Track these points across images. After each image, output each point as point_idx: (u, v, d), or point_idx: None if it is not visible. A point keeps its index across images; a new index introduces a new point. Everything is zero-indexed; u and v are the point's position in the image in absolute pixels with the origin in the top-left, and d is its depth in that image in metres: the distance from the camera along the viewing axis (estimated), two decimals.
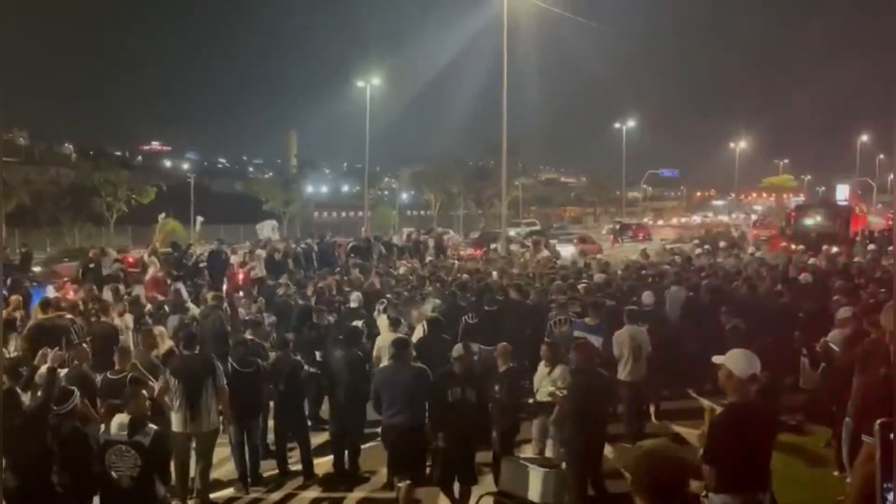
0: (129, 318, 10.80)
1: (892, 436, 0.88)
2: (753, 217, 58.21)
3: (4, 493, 5.63)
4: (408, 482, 6.86)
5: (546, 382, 7.69)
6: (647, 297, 11.13)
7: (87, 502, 6.00)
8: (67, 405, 5.89)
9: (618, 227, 52.18)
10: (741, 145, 79.72)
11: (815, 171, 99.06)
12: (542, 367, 7.89)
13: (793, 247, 23.37)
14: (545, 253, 24.99)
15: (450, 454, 6.88)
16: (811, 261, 17.27)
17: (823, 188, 76.31)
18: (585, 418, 6.72)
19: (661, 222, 69.75)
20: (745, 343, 6.31)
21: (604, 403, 6.96)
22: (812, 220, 29.33)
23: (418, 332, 9.82)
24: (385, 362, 9.05)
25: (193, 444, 7.39)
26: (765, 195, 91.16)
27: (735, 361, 4.52)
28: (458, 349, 7.10)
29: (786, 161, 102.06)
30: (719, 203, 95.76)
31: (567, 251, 30.84)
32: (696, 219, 72.32)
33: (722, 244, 26.25)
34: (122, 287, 14.79)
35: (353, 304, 11.60)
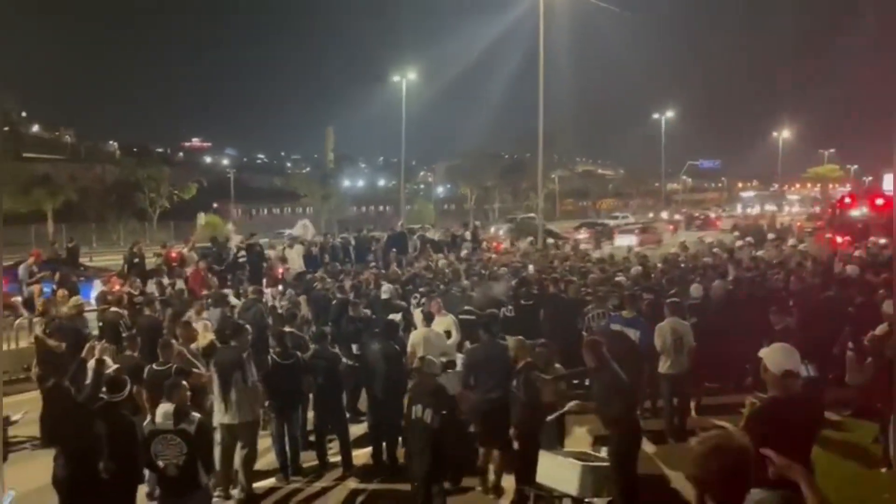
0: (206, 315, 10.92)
1: None
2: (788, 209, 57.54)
3: (54, 481, 5.83)
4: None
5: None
6: (696, 289, 10.95)
7: (133, 490, 6.18)
8: (122, 394, 6.06)
9: (683, 216, 52.51)
10: (784, 135, 77.94)
11: (862, 160, 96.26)
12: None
13: (838, 238, 22.79)
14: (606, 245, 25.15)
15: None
16: (857, 253, 16.82)
17: (870, 178, 74.16)
18: (614, 415, 6.58)
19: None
20: (789, 337, 6.20)
21: (628, 398, 6.71)
22: (858, 211, 28.52)
23: (443, 326, 9.89)
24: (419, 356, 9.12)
25: (235, 435, 7.54)
26: (809, 185, 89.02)
27: (771, 356, 4.45)
28: (512, 344, 7.13)
29: (831, 151, 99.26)
30: (749, 195, 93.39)
31: (627, 242, 31.41)
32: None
33: (771, 236, 25.69)
34: (164, 281, 15.16)
35: (384, 296, 11.68)
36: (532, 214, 44.66)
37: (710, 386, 10.34)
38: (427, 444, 6.15)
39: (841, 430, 8.48)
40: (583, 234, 37.12)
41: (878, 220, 25.85)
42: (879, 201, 26.39)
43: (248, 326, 8.15)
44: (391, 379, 8.23)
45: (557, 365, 7.66)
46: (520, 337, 7.49)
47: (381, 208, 72.10)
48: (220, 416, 7.49)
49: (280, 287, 14.44)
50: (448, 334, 10.00)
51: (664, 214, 61.88)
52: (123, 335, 9.66)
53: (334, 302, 11.82)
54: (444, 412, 6.15)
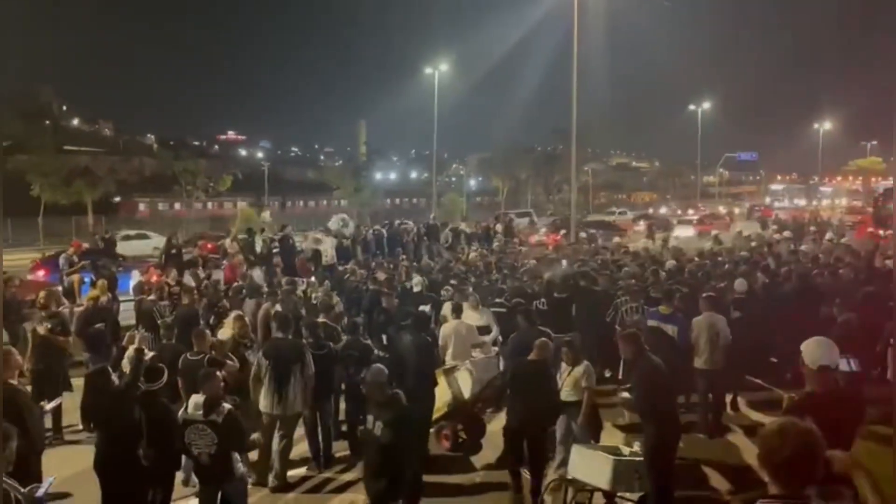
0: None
1: None
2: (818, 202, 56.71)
3: (95, 465, 5.96)
4: None
5: (569, 381, 7.42)
6: (740, 284, 10.75)
7: (171, 476, 6.29)
8: (159, 382, 6.16)
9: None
10: (825, 126, 76.04)
11: None
12: (564, 366, 7.56)
13: (880, 232, 22.21)
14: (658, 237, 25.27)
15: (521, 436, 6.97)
16: None
17: None
18: (652, 408, 6.50)
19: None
20: (830, 332, 6.05)
21: (667, 392, 6.62)
22: None
23: (481, 320, 9.88)
24: (451, 350, 9.14)
25: (278, 426, 7.65)
26: (851, 178, 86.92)
27: (808, 350, 4.36)
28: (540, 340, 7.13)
29: (874, 143, 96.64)
30: (777, 187, 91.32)
31: (686, 233, 33.85)
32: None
33: (812, 229, 25.19)
34: (201, 272, 15.39)
35: (415, 288, 11.69)
36: (532, 215, 44.84)
37: (751, 381, 10.16)
38: (375, 460, 5.70)
39: (883, 426, 8.26)
40: (640, 227, 38.75)
41: None
42: None
43: (290, 318, 8.24)
44: (422, 371, 8.24)
45: (586, 362, 7.58)
46: (542, 338, 7.41)
47: (413, 201, 72.28)
48: (270, 407, 7.56)
49: (313, 279, 14.54)
50: (487, 329, 9.99)
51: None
52: (159, 322, 9.85)
53: (367, 293, 11.88)
54: (396, 426, 5.55)
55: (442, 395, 8.48)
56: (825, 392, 4.33)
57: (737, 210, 57.94)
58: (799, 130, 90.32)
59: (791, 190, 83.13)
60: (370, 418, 5.81)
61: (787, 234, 23.56)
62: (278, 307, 10.19)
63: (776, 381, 10.19)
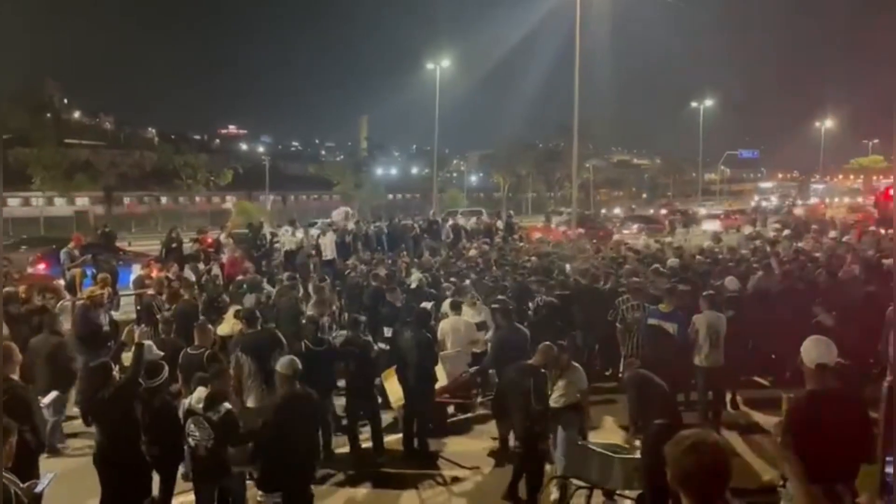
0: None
1: None
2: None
3: (95, 460, 5.97)
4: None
5: (562, 387, 7.38)
6: (731, 282, 10.77)
7: (173, 471, 6.31)
8: (159, 378, 6.18)
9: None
10: (827, 124, 75.94)
11: None
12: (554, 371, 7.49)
13: (882, 231, 22.16)
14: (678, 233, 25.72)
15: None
16: None
17: None
18: (646, 417, 6.50)
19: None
20: (829, 332, 6.06)
21: (662, 400, 6.61)
22: None
23: (468, 314, 9.89)
24: (449, 346, 9.19)
25: None
26: (852, 177, 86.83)
27: (805, 349, 4.38)
28: (543, 346, 7.11)
29: (876, 141, 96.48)
30: (767, 185, 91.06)
31: (713, 227, 34.39)
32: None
33: (814, 226, 25.15)
34: (201, 266, 15.40)
35: (413, 285, 11.72)
36: (483, 214, 44.98)
37: (751, 380, 10.18)
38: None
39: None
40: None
41: None
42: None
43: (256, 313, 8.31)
44: (422, 366, 8.28)
45: (575, 363, 7.58)
46: (546, 343, 7.31)
47: (410, 197, 72.19)
48: (259, 401, 7.57)
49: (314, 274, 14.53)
50: (484, 325, 10.01)
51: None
52: (158, 317, 9.85)
53: (368, 289, 11.88)
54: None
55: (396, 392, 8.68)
56: (825, 391, 4.34)
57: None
58: (800, 128, 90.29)
59: (782, 188, 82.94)
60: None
61: (787, 232, 23.53)
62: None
63: (776, 380, 10.21)
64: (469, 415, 9.55)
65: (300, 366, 6.17)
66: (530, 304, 10.85)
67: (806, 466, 4.13)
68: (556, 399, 7.31)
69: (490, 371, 9.15)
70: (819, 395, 4.35)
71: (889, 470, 2.26)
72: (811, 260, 14.69)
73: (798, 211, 41.78)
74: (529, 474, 6.92)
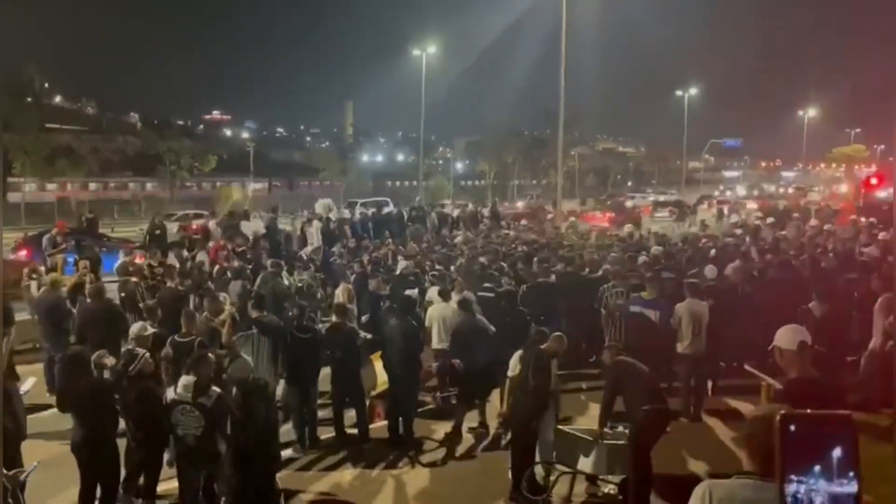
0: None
1: (791, 428, 0.89)
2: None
3: (73, 448, 5.96)
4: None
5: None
6: (710, 270, 10.89)
7: (158, 458, 6.30)
8: (135, 365, 6.16)
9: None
10: (810, 113, 76.43)
11: (889, 140, 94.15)
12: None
13: (863, 220, 22.42)
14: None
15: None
16: (881, 235, 16.55)
17: None
18: (637, 398, 6.55)
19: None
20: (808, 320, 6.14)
21: (649, 384, 6.67)
22: (884, 192, 28.02)
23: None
24: (435, 334, 9.24)
25: None
26: (834, 165, 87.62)
27: (782, 336, 4.45)
28: (557, 335, 7.12)
29: (857, 130, 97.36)
30: (734, 174, 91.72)
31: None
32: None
33: (795, 215, 25.38)
34: (185, 253, 15.31)
35: (399, 271, 11.75)
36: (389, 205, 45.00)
37: (732, 367, 10.29)
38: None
39: (860, 411, 8.41)
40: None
41: None
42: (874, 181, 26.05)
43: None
44: (408, 354, 8.32)
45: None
46: (558, 333, 7.30)
47: (399, 183, 72.01)
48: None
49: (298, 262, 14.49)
50: None
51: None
52: (141, 305, 9.79)
53: (353, 277, 11.88)
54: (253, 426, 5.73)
55: (381, 375, 8.80)
56: (808, 378, 4.40)
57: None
58: (783, 117, 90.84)
59: (750, 176, 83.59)
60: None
61: (770, 220, 23.73)
62: None
63: (759, 368, 10.32)
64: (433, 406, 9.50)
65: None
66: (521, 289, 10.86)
67: None
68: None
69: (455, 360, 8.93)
70: (800, 382, 4.41)
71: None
72: (793, 248, 14.85)
73: (751, 205, 42.06)
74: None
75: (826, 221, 22.86)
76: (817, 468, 0.96)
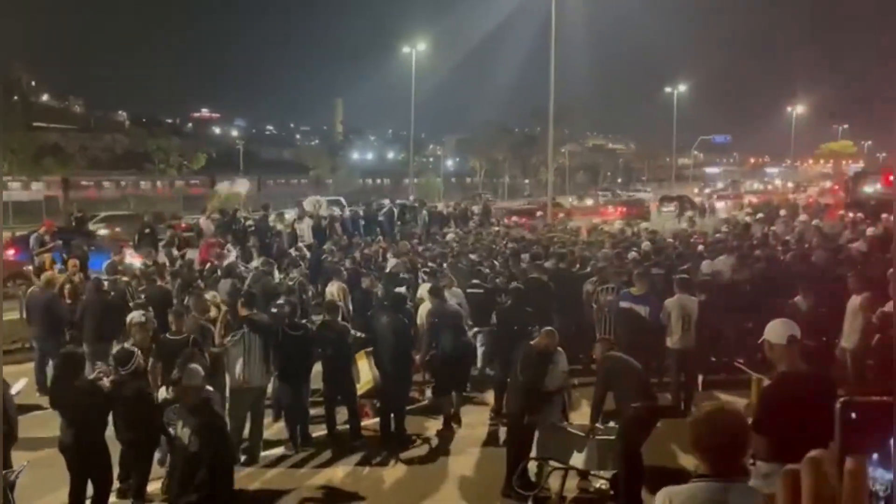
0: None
1: (852, 415, 0.90)
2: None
3: (61, 447, 5.94)
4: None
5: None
6: (707, 265, 10.94)
7: (148, 457, 6.29)
8: (129, 366, 6.13)
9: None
10: (798, 110, 76.91)
11: (876, 136, 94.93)
12: None
13: (850, 215, 22.61)
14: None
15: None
16: (869, 230, 16.70)
17: (884, 154, 73.26)
18: (627, 394, 6.57)
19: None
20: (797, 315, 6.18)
21: (640, 381, 6.69)
22: (871, 188, 28.27)
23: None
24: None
25: (255, 399, 7.78)
26: (822, 161, 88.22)
27: (772, 330, 4.48)
28: (547, 330, 7.13)
29: (845, 126, 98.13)
30: (714, 170, 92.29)
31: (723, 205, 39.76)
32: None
33: (782, 212, 25.54)
34: (175, 251, 15.25)
35: (390, 269, 11.76)
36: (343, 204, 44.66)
37: (723, 362, 10.36)
38: (183, 469, 5.36)
39: None
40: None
41: (891, 197, 25.63)
42: (893, 178, 26.24)
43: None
44: (399, 351, 8.33)
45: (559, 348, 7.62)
46: (549, 327, 7.32)
47: (387, 182, 71.94)
48: (260, 380, 7.75)
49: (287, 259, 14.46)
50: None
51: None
52: (131, 305, 9.74)
53: (344, 273, 11.86)
54: (205, 434, 5.22)
55: (365, 375, 8.81)
56: (797, 372, 4.44)
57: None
58: (772, 114, 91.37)
59: (730, 173, 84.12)
60: (179, 424, 5.40)
61: (760, 216, 23.90)
62: None
63: (748, 363, 10.39)
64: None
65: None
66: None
67: (780, 447, 4.25)
68: (545, 383, 7.35)
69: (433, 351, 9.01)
70: (790, 376, 4.44)
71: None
72: (782, 243, 14.95)
73: (719, 204, 43.29)
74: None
75: (814, 217, 23.03)
76: (876, 456, 0.96)
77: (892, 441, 0.92)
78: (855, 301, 8.45)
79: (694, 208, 36.58)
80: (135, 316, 7.40)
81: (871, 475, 0.91)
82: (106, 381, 6.12)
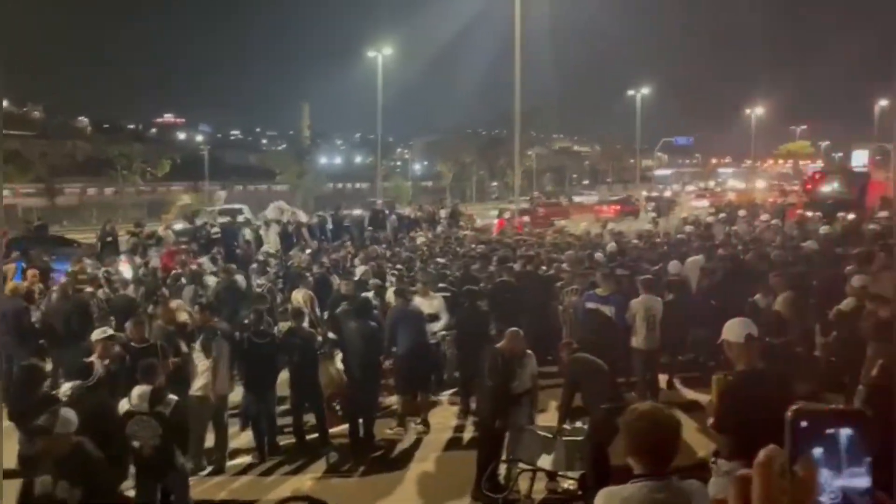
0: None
1: (802, 424, 0.94)
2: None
3: (20, 459, 5.80)
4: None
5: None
6: (674, 266, 11.09)
7: (124, 472, 6.14)
8: (91, 378, 6.02)
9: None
10: (757, 111, 78.44)
11: (833, 136, 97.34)
12: None
13: (809, 214, 23.14)
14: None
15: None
16: (822, 228, 17.09)
17: (841, 154, 75.16)
18: (595, 395, 6.65)
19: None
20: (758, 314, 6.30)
21: (607, 382, 6.77)
22: (829, 187, 28.93)
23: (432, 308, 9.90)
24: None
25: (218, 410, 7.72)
26: (781, 161, 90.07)
27: (730, 330, 4.58)
28: (512, 332, 7.11)
29: (803, 127, 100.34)
30: (663, 172, 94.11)
31: (702, 204, 41.48)
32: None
33: (742, 213, 26.01)
34: (138, 259, 15.02)
35: (357, 275, 11.73)
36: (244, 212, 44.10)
37: (687, 360, 10.52)
38: None
39: (808, 400, 8.67)
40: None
41: (847, 196, 26.29)
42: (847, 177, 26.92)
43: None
44: (367, 356, 8.31)
45: (529, 351, 7.66)
46: (514, 329, 7.28)
47: (357, 185, 71.60)
48: (225, 390, 7.73)
49: (255, 266, 14.34)
50: (435, 317, 9.79)
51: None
52: (94, 315, 9.58)
53: (310, 279, 11.80)
54: (85, 481, 4.66)
55: (323, 378, 8.75)
56: (756, 370, 4.54)
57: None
58: (733, 115, 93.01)
59: (680, 175, 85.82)
60: (46, 479, 4.66)
61: (722, 216, 24.33)
62: None
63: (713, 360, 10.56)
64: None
65: None
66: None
67: (740, 446, 4.35)
68: (514, 386, 7.39)
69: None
70: (748, 374, 4.54)
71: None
72: (743, 243, 15.25)
73: (698, 203, 45.79)
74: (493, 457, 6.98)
75: (775, 217, 23.50)
76: (828, 464, 0.99)
77: (841, 449, 0.96)
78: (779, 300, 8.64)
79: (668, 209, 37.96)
80: (97, 331, 7.26)
81: (820, 484, 0.95)
82: (65, 393, 6.00)
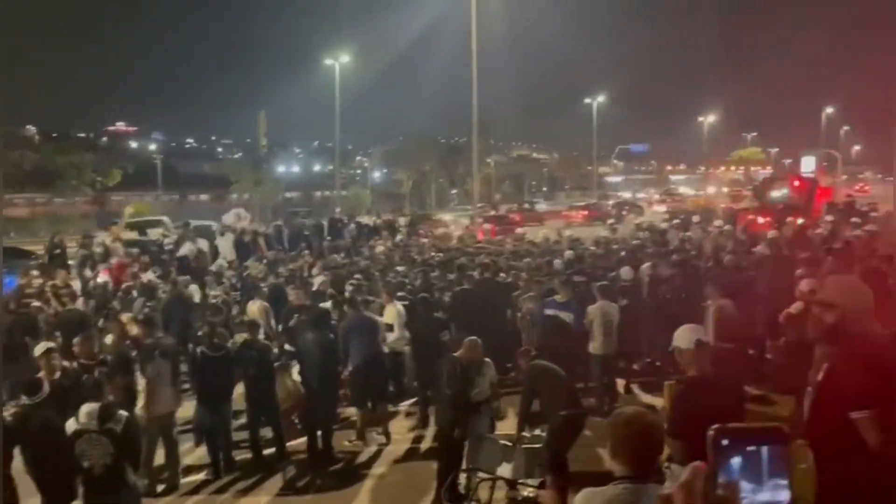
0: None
1: (723, 442, 0.96)
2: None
3: None
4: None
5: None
6: (626, 272, 11.23)
7: (66, 490, 5.94)
8: (40, 395, 5.82)
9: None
10: (710, 119, 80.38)
11: (783, 143, 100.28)
12: None
13: (759, 219, 23.70)
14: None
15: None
16: (770, 233, 17.49)
17: (790, 160, 77.37)
18: (554, 402, 6.67)
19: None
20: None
21: (566, 388, 6.81)
22: (778, 193, 29.71)
23: (389, 312, 9.83)
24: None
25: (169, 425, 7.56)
26: (733, 168, 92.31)
27: (680, 336, 4.65)
28: (469, 341, 7.08)
29: (754, 134, 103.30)
30: (615, 180, 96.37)
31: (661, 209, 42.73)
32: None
33: (696, 218, 26.51)
34: (88, 272, 14.62)
35: (315, 285, 11.62)
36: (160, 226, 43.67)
37: (644, 365, 10.66)
38: None
39: (761, 404, 8.85)
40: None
41: (796, 201, 27.05)
42: (797, 183, 27.71)
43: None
44: (325, 368, 8.21)
45: (487, 359, 7.65)
46: (473, 338, 7.26)
47: (317, 193, 71.08)
48: (174, 405, 7.60)
49: (209, 277, 14.08)
50: (391, 327, 9.71)
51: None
52: (42, 329, 9.30)
53: (265, 290, 11.64)
54: None
55: (280, 390, 8.62)
56: (707, 376, 4.61)
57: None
58: (686, 122, 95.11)
59: (630, 182, 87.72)
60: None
61: (676, 222, 24.77)
62: None
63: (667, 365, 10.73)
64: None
65: None
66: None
67: (693, 451, 4.38)
68: (473, 394, 7.37)
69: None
70: (699, 380, 4.60)
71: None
72: (696, 248, 15.53)
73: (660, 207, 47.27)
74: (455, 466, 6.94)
75: (727, 222, 24.01)
76: (748, 479, 1.01)
77: (763, 464, 0.97)
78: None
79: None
80: (38, 346, 7.03)
81: (742, 498, 0.95)
82: (8, 412, 5.79)
